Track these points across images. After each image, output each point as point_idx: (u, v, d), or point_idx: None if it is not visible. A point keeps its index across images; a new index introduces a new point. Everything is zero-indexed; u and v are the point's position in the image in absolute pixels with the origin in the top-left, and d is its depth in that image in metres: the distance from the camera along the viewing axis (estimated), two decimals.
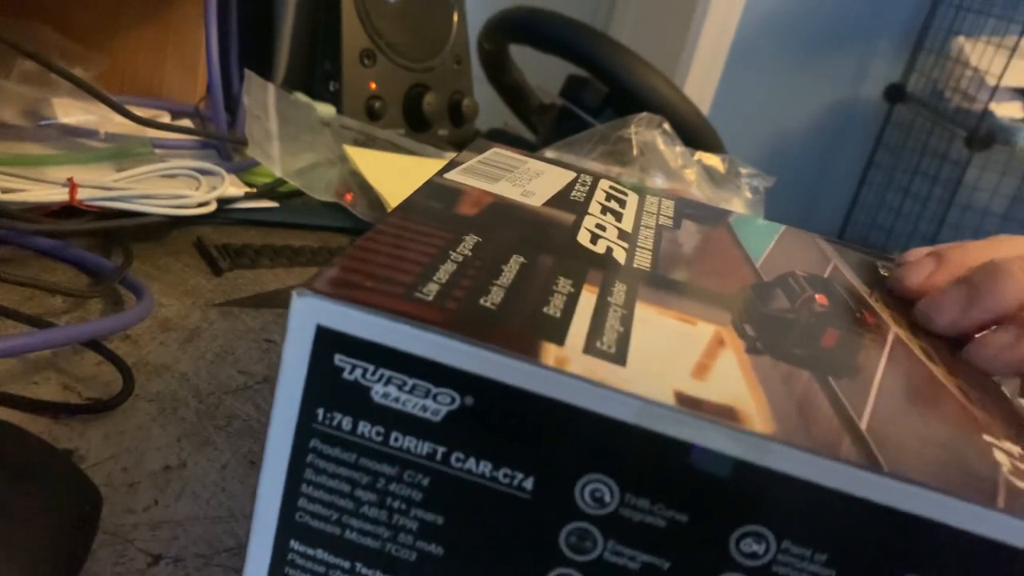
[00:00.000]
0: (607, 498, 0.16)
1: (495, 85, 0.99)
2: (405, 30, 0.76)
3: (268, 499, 0.18)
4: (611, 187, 0.32)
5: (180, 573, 0.26)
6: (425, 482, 0.17)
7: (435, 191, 0.25)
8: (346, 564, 0.18)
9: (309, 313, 0.17)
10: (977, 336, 0.25)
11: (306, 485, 0.18)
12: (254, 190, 0.56)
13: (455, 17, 0.81)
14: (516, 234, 0.23)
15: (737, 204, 0.62)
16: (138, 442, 0.31)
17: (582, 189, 0.30)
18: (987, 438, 0.19)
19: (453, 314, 0.17)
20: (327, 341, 0.17)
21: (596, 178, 0.33)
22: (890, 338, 0.23)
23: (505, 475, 0.17)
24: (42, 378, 0.34)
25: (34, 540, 0.23)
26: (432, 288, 0.18)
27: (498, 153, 0.32)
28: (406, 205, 0.23)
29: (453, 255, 0.20)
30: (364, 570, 0.18)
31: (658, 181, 0.60)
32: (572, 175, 0.32)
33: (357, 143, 0.65)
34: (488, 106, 0.93)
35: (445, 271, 0.19)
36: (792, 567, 0.16)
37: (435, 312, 0.17)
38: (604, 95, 0.86)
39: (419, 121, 0.77)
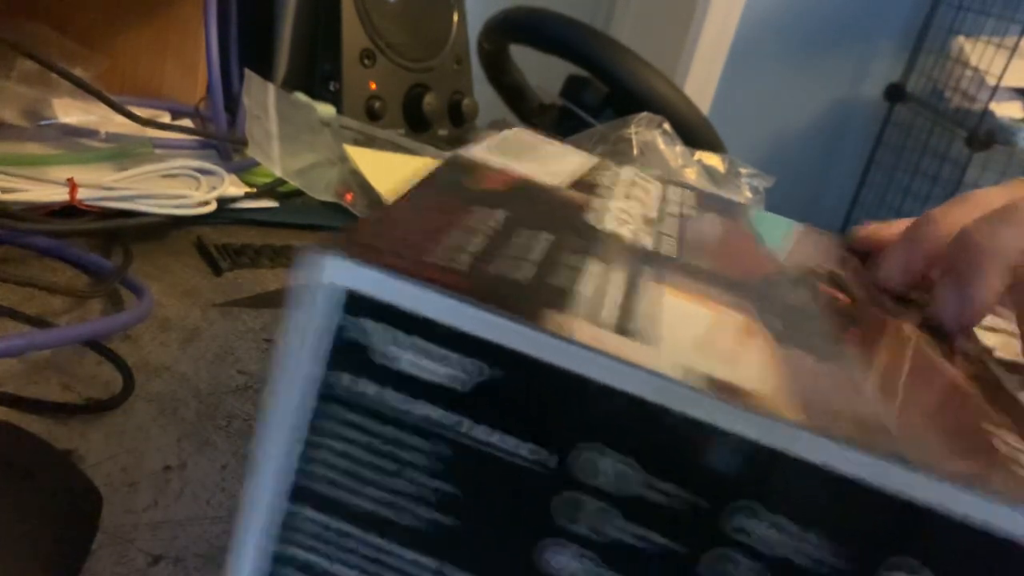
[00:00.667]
0: (631, 478, 0.16)
1: (495, 85, 0.99)
2: (405, 30, 0.76)
3: (271, 464, 0.17)
4: (637, 175, 0.32)
5: (180, 573, 0.26)
6: (447, 452, 0.17)
7: (460, 167, 0.25)
8: (357, 532, 0.18)
9: (336, 274, 0.16)
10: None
11: (319, 449, 0.17)
12: (254, 190, 0.56)
13: (455, 17, 0.82)
14: (543, 213, 0.23)
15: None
16: (138, 442, 0.31)
17: (605, 174, 0.30)
18: (986, 426, 0.19)
19: (487, 285, 0.17)
20: (354, 305, 0.16)
21: (620, 164, 0.33)
22: (905, 333, 0.24)
23: (531, 451, 0.17)
24: (42, 378, 0.34)
25: (34, 540, 0.23)
26: (464, 259, 0.18)
27: (519, 132, 0.33)
28: (428, 178, 0.23)
29: (484, 228, 0.20)
30: (375, 539, 0.18)
31: None
32: (595, 159, 0.32)
33: (357, 143, 0.65)
34: (488, 106, 0.92)
35: (476, 244, 0.19)
36: (786, 546, 0.16)
37: (467, 282, 0.17)
38: (604, 95, 0.86)
39: (419, 121, 0.77)
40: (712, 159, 0.64)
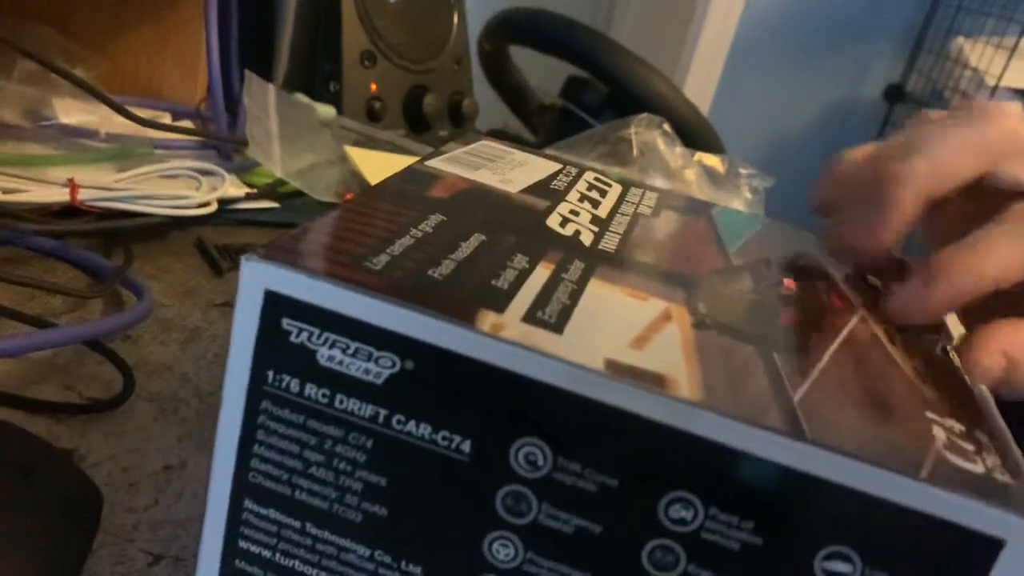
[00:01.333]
0: (540, 461, 0.17)
1: (495, 86, 0.99)
2: (405, 31, 0.76)
3: (224, 460, 0.18)
4: (595, 178, 0.32)
5: (180, 573, 0.26)
6: (368, 444, 0.18)
7: (412, 175, 0.26)
8: (297, 524, 0.18)
9: (258, 277, 0.17)
10: (891, 288, 0.25)
11: (258, 446, 0.18)
12: (254, 190, 0.56)
13: (455, 18, 0.82)
14: (484, 216, 0.23)
15: (737, 204, 0.62)
16: (138, 442, 0.31)
17: (564, 179, 0.30)
18: (930, 415, 0.19)
19: (397, 282, 0.18)
20: (275, 305, 0.17)
21: (582, 169, 0.32)
22: (853, 320, 0.23)
23: (444, 438, 0.17)
24: (42, 378, 0.34)
25: (34, 540, 0.23)
26: (382, 259, 0.18)
27: (486, 145, 0.33)
28: (379, 186, 0.24)
29: (413, 231, 0.21)
30: (314, 530, 0.18)
31: (658, 181, 0.60)
32: (557, 166, 0.32)
33: (357, 144, 0.65)
34: (488, 106, 0.93)
35: (401, 245, 0.20)
36: (720, 534, 0.16)
37: (379, 279, 0.17)
38: (604, 95, 0.87)
39: (419, 122, 0.77)
40: (712, 159, 0.64)
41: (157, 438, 0.32)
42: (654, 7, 1.73)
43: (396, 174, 0.25)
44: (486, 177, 0.27)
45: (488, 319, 0.17)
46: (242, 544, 0.19)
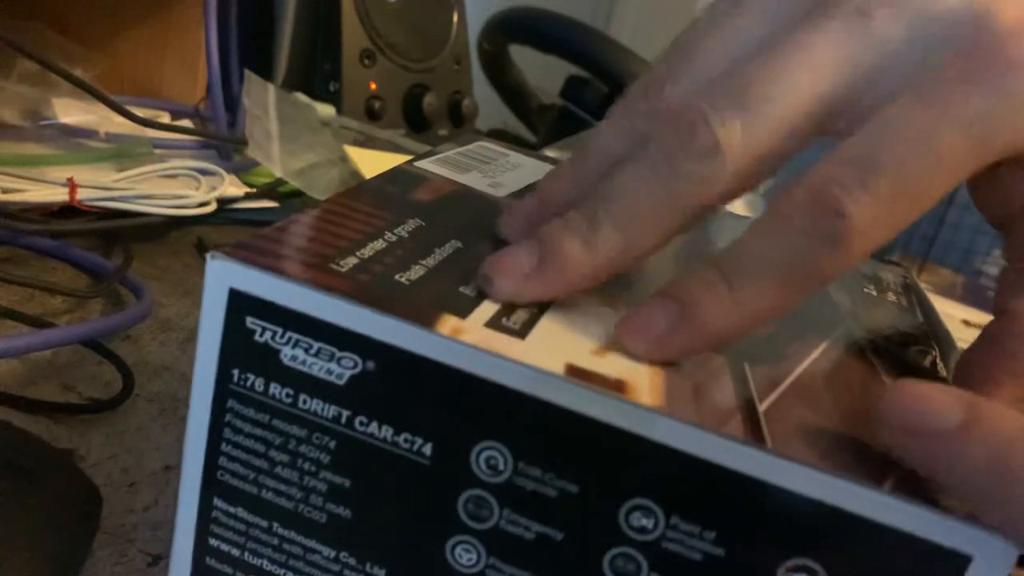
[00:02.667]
0: (501, 466, 0.17)
1: (495, 85, 0.99)
2: (405, 30, 0.76)
3: (192, 458, 0.18)
4: None
5: None
6: (332, 444, 0.17)
7: (396, 176, 0.25)
8: (264, 523, 0.18)
9: (222, 275, 0.17)
10: (625, 316, 0.19)
11: (225, 444, 0.18)
12: (254, 190, 0.56)
13: (455, 17, 0.82)
14: (464, 221, 0.23)
15: (737, 204, 0.62)
16: (138, 442, 0.31)
17: None
18: None
19: (362, 284, 0.17)
20: (239, 303, 0.17)
21: None
22: (837, 331, 0.23)
23: (405, 440, 0.17)
24: (42, 378, 0.34)
25: (34, 540, 0.23)
26: (349, 261, 0.18)
27: (482, 145, 0.32)
28: (359, 186, 0.24)
29: (387, 235, 0.20)
30: (280, 530, 0.18)
31: None
32: (550, 168, 0.32)
33: (357, 143, 0.65)
34: (488, 106, 0.92)
35: (371, 248, 0.19)
36: (681, 544, 0.16)
37: (344, 281, 0.17)
38: (604, 95, 0.86)
39: (419, 121, 0.77)
40: None
41: (157, 438, 0.32)
42: (654, 7, 1.73)
43: (381, 174, 0.25)
44: (474, 180, 0.27)
45: (449, 323, 0.17)
46: (212, 542, 0.19)
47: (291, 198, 0.59)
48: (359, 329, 0.17)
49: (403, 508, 0.17)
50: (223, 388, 0.18)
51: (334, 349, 0.17)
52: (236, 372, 0.18)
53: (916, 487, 0.16)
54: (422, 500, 0.17)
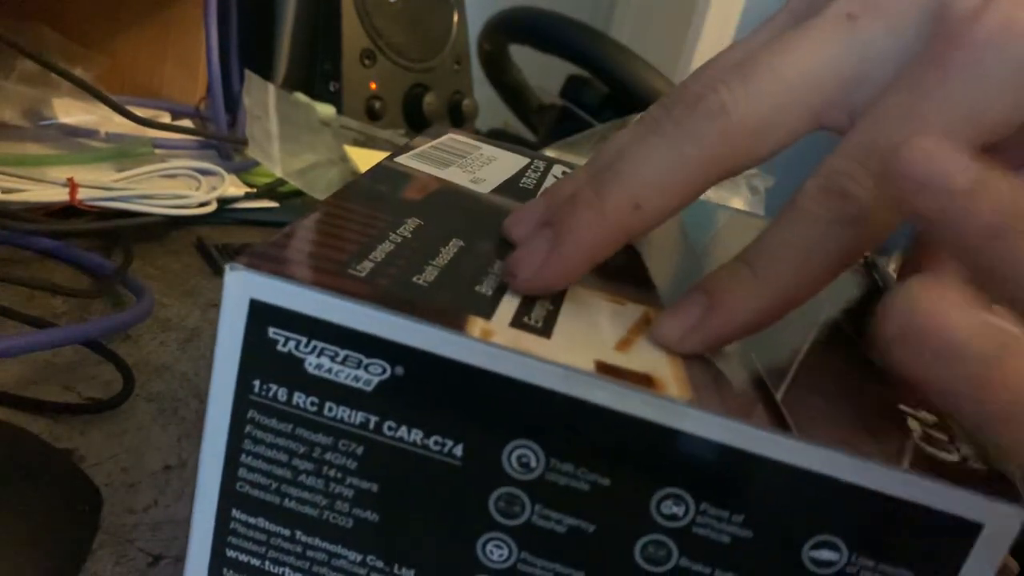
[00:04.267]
0: (533, 463, 0.17)
1: (495, 85, 0.99)
2: (405, 30, 0.76)
3: (209, 469, 0.18)
4: (563, 172, 0.32)
5: (180, 573, 0.26)
6: (359, 451, 0.17)
7: (382, 174, 0.25)
8: (286, 532, 0.18)
9: (242, 286, 0.17)
10: (664, 313, 0.19)
11: (245, 455, 0.18)
12: (254, 190, 0.56)
13: (455, 17, 0.82)
14: (459, 219, 0.23)
15: (737, 204, 0.62)
16: (138, 442, 0.31)
17: (533, 175, 0.30)
18: (903, 407, 0.19)
19: (384, 289, 0.17)
20: (261, 314, 0.17)
21: (550, 163, 0.32)
22: (818, 316, 0.24)
23: (435, 442, 0.17)
24: (42, 378, 0.34)
25: (34, 540, 0.23)
26: (366, 265, 0.18)
27: (453, 139, 0.32)
28: (351, 186, 0.24)
29: (392, 236, 0.21)
30: (304, 537, 0.18)
31: None
32: (525, 161, 0.32)
33: (357, 143, 0.65)
34: (488, 106, 0.93)
35: (382, 251, 0.19)
36: (711, 528, 0.17)
37: (366, 287, 0.17)
38: (604, 95, 0.86)
39: (419, 121, 0.77)
40: None
41: (157, 438, 0.32)
42: (654, 7, 1.73)
43: (366, 173, 0.25)
44: (456, 176, 0.27)
45: (478, 325, 0.17)
46: (230, 553, 0.19)
47: (291, 198, 0.59)
48: (388, 335, 0.17)
49: (433, 509, 0.18)
50: (243, 399, 0.18)
51: (361, 356, 0.17)
52: (257, 383, 0.17)
53: (927, 462, 0.17)
54: (452, 500, 0.17)
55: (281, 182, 0.56)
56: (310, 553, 0.18)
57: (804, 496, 0.16)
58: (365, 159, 0.62)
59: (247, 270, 0.17)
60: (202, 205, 0.49)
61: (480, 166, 0.29)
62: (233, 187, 0.54)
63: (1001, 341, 0.15)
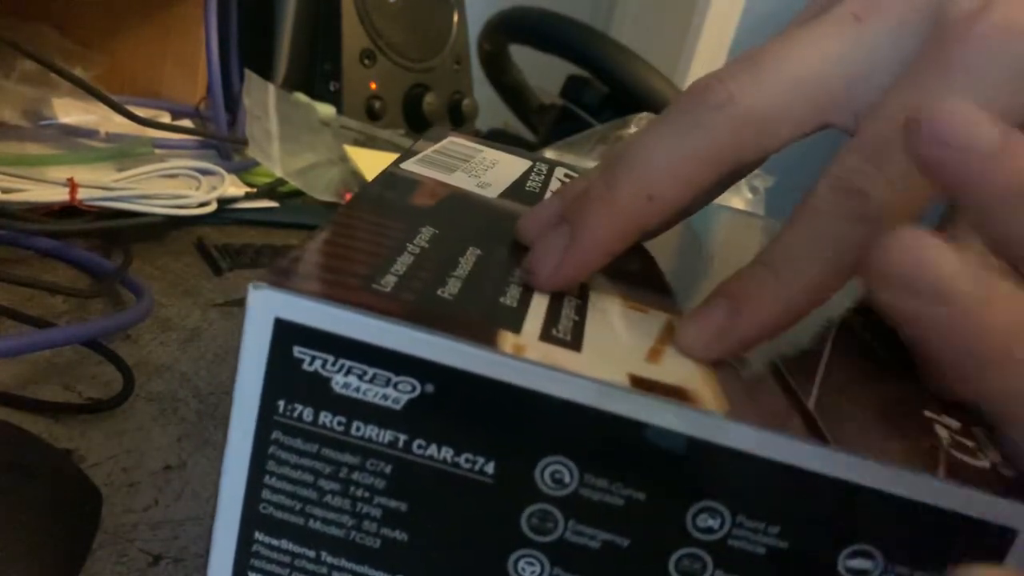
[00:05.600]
0: (567, 479, 0.17)
1: (495, 85, 0.99)
2: (405, 30, 0.76)
3: (231, 491, 0.18)
4: (566, 175, 0.32)
5: (180, 573, 0.26)
6: (387, 470, 0.17)
7: (390, 182, 0.25)
8: (311, 553, 0.18)
9: (266, 306, 0.17)
10: (686, 320, 0.20)
11: (269, 476, 0.18)
12: (254, 190, 0.56)
13: (455, 17, 0.82)
14: (472, 227, 0.23)
15: (737, 204, 0.62)
16: (138, 442, 0.31)
17: (537, 179, 0.30)
18: (928, 413, 0.19)
19: (411, 304, 0.17)
20: (285, 333, 0.17)
21: (552, 167, 0.33)
22: (837, 323, 0.24)
23: (467, 460, 0.17)
24: (42, 378, 0.34)
25: (34, 540, 0.23)
26: (390, 280, 0.18)
27: (453, 142, 0.32)
28: (361, 196, 0.23)
29: (410, 247, 0.20)
30: (329, 558, 0.18)
31: None
32: (527, 164, 0.32)
33: (357, 143, 0.65)
34: (488, 106, 0.92)
35: (402, 263, 0.19)
36: (747, 540, 0.17)
37: (393, 303, 0.17)
38: (604, 95, 0.86)
39: (419, 121, 0.77)
40: None
41: (157, 438, 0.32)
42: (654, 7, 1.73)
43: (374, 181, 0.25)
44: (462, 181, 0.27)
45: (509, 340, 0.17)
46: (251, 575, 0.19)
47: (291, 198, 0.59)
48: (418, 353, 0.16)
49: (463, 527, 0.17)
50: (267, 420, 0.17)
51: (390, 374, 0.17)
52: (282, 403, 0.17)
53: (960, 470, 0.17)
54: (484, 518, 0.17)
55: (281, 182, 0.56)
56: (336, 574, 0.18)
57: (840, 506, 0.16)
58: (365, 159, 0.62)
59: (271, 288, 0.16)
60: (202, 205, 0.49)
61: (484, 170, 0.29)
62: (233, 187, 0.54)
63: (990, 284, 0.15)
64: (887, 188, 0.18)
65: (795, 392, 0.18)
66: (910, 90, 0.19)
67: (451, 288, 0.19)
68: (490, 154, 0.32)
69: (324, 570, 0.18)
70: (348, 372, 0.17)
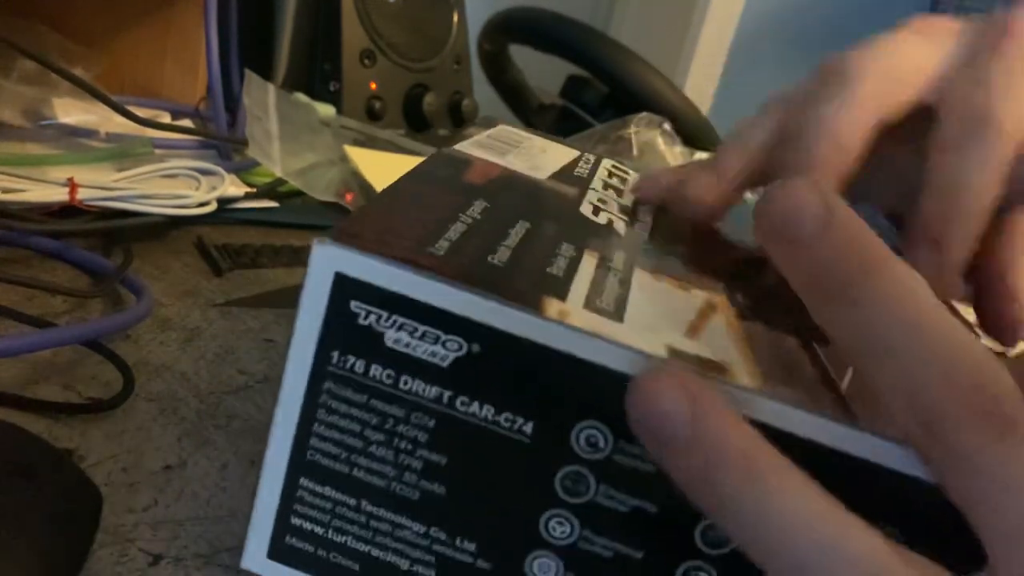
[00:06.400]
0: (601, 444, 0.17)
1: (495, 85, 0.99)
2: (405, 30, 0.76)
3: (281, 440, 0.19)
4: (613, 166, 0.33)
5: (180, 573, 0.26)
6: (431, 424, 0.18)
7: (444, 161, 0.26)
8: (352, 502, 0.19)
9: (328, 261, 0.17)
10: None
11: (318, 424, 0.18)
12: (254, 190, 0.56)
13: (455, 17, 0.82)
14: (522, 203, 0.24)
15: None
16: (138, 442, 0.31)
17: (585, 166, 0.31)
18: None
19: (463, 267, 0.18)
20: (344, 288, 0.18)
21: (599, 157, 0.34)
22: None
23: (506, 419, 0.18)
24: (42, 378, 0.34)
25: (34, 540, 0.23)
26: (443, 244, 0.19)
27: (505, 130, 0.34)
28: (415, 172, 0.24)
29: (463, 217, 0.21)
30: (369, 507, 0.19)
31: None
32: (576, 153, 0.33)
33: (357, 143, 0.65)
34: (488, 106, 0.93)
35: (456, 231, 0.20)
36: None
37: (446, 265, 0.18)
38: (604, 95, 0.87)
39: (419, 121, 0.77)
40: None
41: (157, 438, 0.32)
42: (654, 7, 1.73)
43: (429, 159, 0.26)
44: (515, 164, 0.28)
45: (554, 306, 0.17)
46: (295, 521, 0.19)
47: (291, 198, 0.59)
48: (467, 313, 0.17)
49: (499, 484, 0.18)
50: (321, 369, 0.18)
51: (440, 332, 0.17)
52: (336, 354, 0.18)
53: None
54: (519, 476, 0.18)
55: (281, 182, 0.56)
56: (374, 523, 0.19)
57: (869, 487, 0.17)
58: (365, 159, 0.62)
59: (335, 244, 0.17)
60: (202, 205, 0.49)
61: (534, 155, 0.30)
62: (233, 187, 0.54)
63: (827, 220, 0.16)
64: (977, 155, 0.25)
65: (830, 375, 0.19)
66: (976, 87, 0.25)
67: (501, 256, 0.19)
68: (539, 142, 0.33)
69: (363, 519, 0.19)
70: (400, 328, 0.17)
